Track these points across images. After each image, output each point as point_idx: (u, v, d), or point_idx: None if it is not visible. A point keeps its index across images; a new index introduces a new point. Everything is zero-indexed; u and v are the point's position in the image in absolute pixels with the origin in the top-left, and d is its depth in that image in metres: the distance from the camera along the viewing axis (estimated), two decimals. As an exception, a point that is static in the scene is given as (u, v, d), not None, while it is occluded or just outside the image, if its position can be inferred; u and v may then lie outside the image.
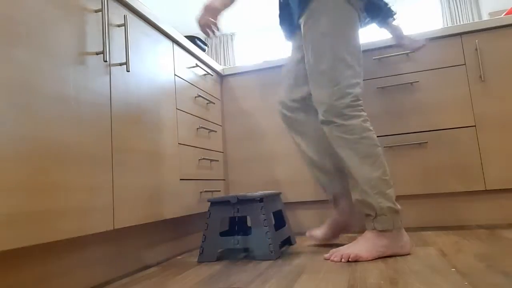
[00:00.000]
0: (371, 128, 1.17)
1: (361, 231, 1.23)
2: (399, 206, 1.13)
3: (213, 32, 1.34)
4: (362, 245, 1.11)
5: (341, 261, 1.09)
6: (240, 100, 1.97)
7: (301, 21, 1.27)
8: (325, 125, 1.20)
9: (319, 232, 1.39)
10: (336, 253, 1.12)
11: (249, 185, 1.90)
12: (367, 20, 1.41)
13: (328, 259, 1.13)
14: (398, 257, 1.07)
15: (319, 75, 1.20)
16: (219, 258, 1.29)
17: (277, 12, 1.45)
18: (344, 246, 1.15)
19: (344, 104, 1.16)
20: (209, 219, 1.30)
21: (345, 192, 1.34)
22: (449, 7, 5.37)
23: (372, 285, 0.81)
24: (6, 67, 0.75)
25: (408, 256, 1.08)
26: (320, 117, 1.21)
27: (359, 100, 1.18)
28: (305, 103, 1.37)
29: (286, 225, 1.45)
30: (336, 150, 1.20)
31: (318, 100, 1.21)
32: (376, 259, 1.09)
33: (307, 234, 1.42)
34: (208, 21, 1.33)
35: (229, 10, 5.77)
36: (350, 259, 1.08)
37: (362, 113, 1.18)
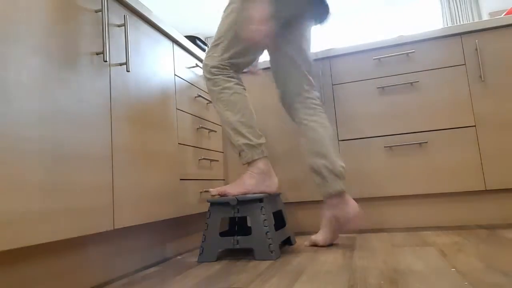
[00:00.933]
0: (232, 80, 1.35)
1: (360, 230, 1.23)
2: (257, 141, 1.32)
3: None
4: (235, 184, 1.32)
5: (217, 194, 1.31)
6: (240, 100, 1.97)
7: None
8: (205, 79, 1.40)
9: (319, 237, 1.39)
10: (213, 190, 1.33)
11: (249, 185, 1.90)
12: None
13: (209, 192, 1.34)
14: (398, 257, 1.07)
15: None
16: (219, 258, 1.29)
17: None
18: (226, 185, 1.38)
19: (213, 64, 1.35)
20: (209, 219, 1.30)
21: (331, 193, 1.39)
22: (449, 7, 5.37)
23: (372, 285, 0.81)
24: (4, 67, 0.75)
25: (408, 256, 1.08)
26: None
27: (228, 65, 1.36)
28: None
29: (286, 225, 1.45)
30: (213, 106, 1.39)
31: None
32: (244, 193, 1.29)
33: (306, 244, 1.41)
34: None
35: (229, 10, 5.76)
36: (219, 193, 1.30)
37: (226, 72, 1.35)
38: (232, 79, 1.35)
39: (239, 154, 1.33)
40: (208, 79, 1.37)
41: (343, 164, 1.35)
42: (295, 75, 1.44)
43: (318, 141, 1.36)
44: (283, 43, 1.44)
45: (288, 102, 1.45)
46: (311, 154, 1.37)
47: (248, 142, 1.31)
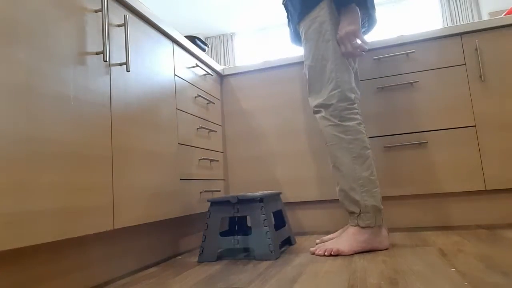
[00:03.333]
0: (364, 131, 1.27)
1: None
2: (382, 206, 1.23)
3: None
4: (345, 241, 1.20)
5: (324, 255, 1.18)
6: (240, 100, 1.97)
7: (301, 27, 1.38)
8: (322, 122, 1.30)
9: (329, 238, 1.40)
10: (320, 247, 1.20)
11: (249, 185, 1.90)
12: (363, 30, 1.48)
13: (314, 253, 1.22)
14: (398, 257, 1.07)
15: (318, 79, 1.32)
16: (219, 258, 1.29)
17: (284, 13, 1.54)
18: (328, 241, 1.24)
19: (343, 106, 1.27)
20: (209, 219, 1.30)
21: None
22: (449, 7, 5.37)
23: (372, 285, 0.81)
24: (5, 67, 0.75)
25: (408, 256, 1.08)
26: (318, 115, 1.33)
27: (355, 103, 1.29)
28: None
29: (286, 225, 1.45)
30: (329, 147, 1.29)
31: (318, 102, 1.32)
32: (357, 253, 1.18)
33: (317, 241, 1.41)
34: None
35: (229, 9, 5.77)
36: (332, 253, 1.17)
37: (357, 116, 1.28)
38: (362, 125, 1.28)
39: (359, 214, 1.20)
40: (335, 125, 1.26)
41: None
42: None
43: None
44: None
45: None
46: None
47: (377, 205, 1.21)
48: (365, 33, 1.50)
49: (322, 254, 1.18)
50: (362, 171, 1.23)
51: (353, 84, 1.30)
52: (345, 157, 1.24)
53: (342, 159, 1.25)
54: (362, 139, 1.25)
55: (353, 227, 1.22)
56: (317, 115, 1.33)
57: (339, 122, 1.26)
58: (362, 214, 1.21)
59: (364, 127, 1.29)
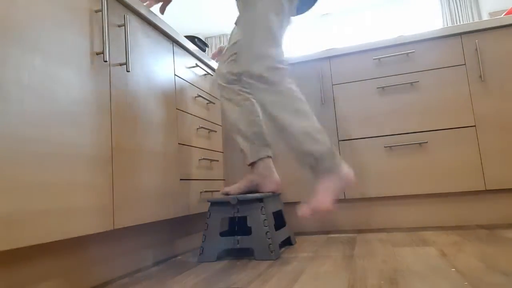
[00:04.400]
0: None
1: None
2: (334, 148, 1.24)
3: None
4: (319, 196, 1.20)
5: (309, 214, 1.19)
6: (240, 100, 1.97)
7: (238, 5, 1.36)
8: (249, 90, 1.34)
9: (232, 188, 1.44)
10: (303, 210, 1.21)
11: (249, 185, 1.90)
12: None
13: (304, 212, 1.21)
14: (398, 257, 1.07)
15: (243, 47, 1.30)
16: (219, 258, 1.29)
17: None
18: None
19: (264, 66, 1.22)
20: (209, 219, 1.30)
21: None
22: (449, 7, 5.37)
23: (372, 285, 0.81)
24: (5, 67, 0.75)
25: (408, 256, 1.08)
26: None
27: (279, 65, 1.24)
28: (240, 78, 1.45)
29: (286, 225, 1.45)
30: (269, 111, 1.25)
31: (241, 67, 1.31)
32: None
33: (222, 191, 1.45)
34: None
35: (229, 10, 5.77)
36: (311, 211, 1.18)
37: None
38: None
39: (317, 164, 1.23)
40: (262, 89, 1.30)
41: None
42: None
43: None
44: None
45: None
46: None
47: (330, 148, 1.23)
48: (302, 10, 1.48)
49: (307, 213, 1.19)
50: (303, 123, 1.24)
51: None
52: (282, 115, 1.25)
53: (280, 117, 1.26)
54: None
55: (319, 179, 1.24)
56: None
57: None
58: (320, 164, 1.22)
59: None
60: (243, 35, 1.30)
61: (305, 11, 1.51)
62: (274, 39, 1.25)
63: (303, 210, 1.19)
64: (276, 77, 1.22)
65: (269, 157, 1.43)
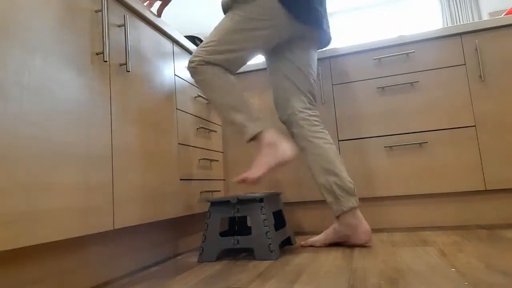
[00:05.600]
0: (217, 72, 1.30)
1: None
2: (257, 115, 1.29)
3: None
4: (252, 167, 1.27)
5: (238, 183, 1.26)
6: (240, 100, 1.97)
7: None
8: None
9: (318, 239, 1.38)
10: (235, 179, 1.28)
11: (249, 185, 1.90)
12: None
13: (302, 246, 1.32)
14: (398, 257, 1.07)
15: None
16: (219, 258, 1.29)
17: None
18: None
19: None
20: (209, 219, 1.30)
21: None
22: (449, 7, 5.37)
23: (372, 285, 0.81)
24: (5, 67, 0.75)
25: (408, 256, 1.08)
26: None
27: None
28: None
29: (286, 225, 1.45)
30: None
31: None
32: (266, 173, 1.25)
33: (303, 243, 1.40)
34: None
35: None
36: (241, 180, 1.24)
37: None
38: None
39: (242, 132, 1.28)
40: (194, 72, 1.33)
41: (351, 181, 1.33)
42: (296, 93, 1.43)
43: (326, 158, 1.34)
44: (283, 61, 1.45)
45: (290, 120, 1.42)
46: (320, 171, 1.34)
47: (251, 115, 1.28)
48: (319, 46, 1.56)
49: (238, 182, 1.25)
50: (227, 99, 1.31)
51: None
52: (209, 94, 1.33)
53: (209, 97, 1.33)
54: (219, 74, 1.32)
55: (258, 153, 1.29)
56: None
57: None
58: (244, 130, 1.28)
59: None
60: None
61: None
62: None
63: (236, 178, 1.27)
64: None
65: (354, 208, 1.29)
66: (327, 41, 1.55)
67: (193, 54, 1.34)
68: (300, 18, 1.35)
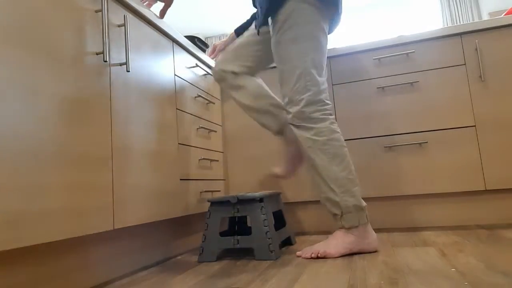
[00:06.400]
0: (338, 130, 1.24)
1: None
2: (364, 203, 1.20)
3: None
4: (331, 243, 1.18)
5: (311, 257, 1.16)
6: (240, 100, 1.97)
7: (271, 21, 1.33)
8: (294, 127, 1.27)
9: (279, 169, 1.42)
10: (307, 250, 1.19)
11: (249, 185, 1.90)
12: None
13: (300, 256, 1.21)
14: (398, 257, 1.07)
15: (288, 80, 1.26)
16: (219, 258, 1.29)
17: None
18: (316, 244, 1.22)
19: (313, 109, 1.23)
20: (209, 219, 1.30)
21: (286, 124, 1.40)
22: (449, 7, 5.37)
23: (372, 285, 0.81)
24: (4, 67, 0.75)
25: (408, 256, 1.08)
26: (289, 120, 1.28)
27: (326, 104, 1.25)
28: (245, 72, 1.46)
29: (286, 225, 1.45)
30: (305, 151, 1.25)
31: (288, 103, 1.28)
32: (344, 256, 1.16)
33: (270, 173, 1.46)
34: None
35: (229, 9, 5.77)
36: (319, 255, 1.15)
37: (330, 116, 1.25)
38: (335, 124, 1.24)
39: (341, 215, 1.18)
40: (306, 128, 1.23)
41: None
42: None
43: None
44: None
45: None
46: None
47: (358, 204, 1.18)
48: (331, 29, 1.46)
49: (309, 257, 1.16)
50: (340, 171, 1.19)
51: (325, 85, 1.26)
52: (320, 158, 1.21)
53: (318, 161, 1.21)
54: (337, 138, 1.22)
55: (340, 229, 1.20)
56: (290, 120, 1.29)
57: (311, 125, 1.22)
58: (344, 215, 1.18)
59: (337, 126, 1.25)
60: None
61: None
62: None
63: (304, 254, 1.19)
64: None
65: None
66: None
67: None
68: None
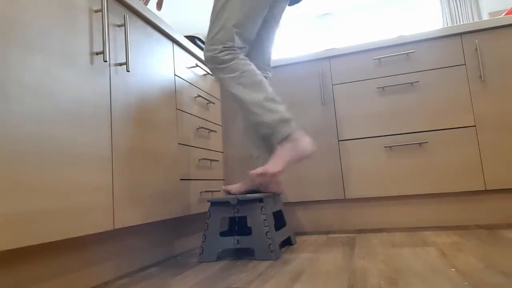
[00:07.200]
0: (248, 62, 1.32)
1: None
2: (289, 116, 1.27)
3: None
4: (270, 162, 1.27)
5: (257, 176, 1.25)
6: (240, 100, 1.97)
7: None
8: (212, 71, 1.35)
9: (234, 187, 1.44)
10: (254, 171, 1.26)
11: (249, 185, 1.90)
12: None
13: (254, 174, 1.27)
14: (398, 257, 1.07)
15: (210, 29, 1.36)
16: (219, 258, 1.29)
17: None
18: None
19: (225, 53, 1.30)
20: (209, 219, 1.30)
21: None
22: (449, 7, 5.37)
23: (372, 285, 0.81)
24: (4, 67, 0.75)
25: (408, 256, 1.08)
26: (206, 63, 1.37)
27: (238, 49, 1.33)
28: None
29: (286, 225, 1.45)
30: (228, 91, 1.32)
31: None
32: (284, 168, 1.25)
33: (222, 188, 1.46)
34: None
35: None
36: (261, 174, 1.24)
37: (239, 55, 1.32)
38: (245, 59, 1.32)
39: (272, 133, 1.27)
40: (220, 69, 1.32)
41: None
42: (265, 49, 1.53)
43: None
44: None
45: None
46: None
47: (283, 117, 1.26)
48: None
49: (255, 176, 1.24)
50: (258, 96, 1.27)
51: (239, 45, 1.33)
52: (239, 90, 1.29)
53: (238, 94, 1.29)
54: (250, 69, 1.30)
55: (277, 147, 1.28)
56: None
57: (224, 65, 1.30)
58: (275, 131, 1.26)
59: (247, 61, 1.32)
60: None
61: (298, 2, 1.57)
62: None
63: (253, 171, 1.26)
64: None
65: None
66: None
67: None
68: None
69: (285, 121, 1.26)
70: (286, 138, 1.26)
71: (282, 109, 1.28)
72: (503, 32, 1.64)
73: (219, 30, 1.31)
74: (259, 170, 1.25)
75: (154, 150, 1.25)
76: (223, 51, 1.30)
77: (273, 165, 1.25)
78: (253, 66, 1.32)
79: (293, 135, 1.26)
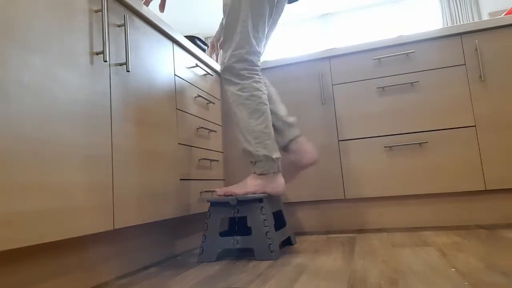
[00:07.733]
0: (261, 89, 1.37)
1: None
2: (276, 155, 1.33)
3: None
4: (240, 184, 1.34)
5: (223, 195, 1.31)
6: (240, 100, 1.97)
7: None
8: (224, 81, 1.41)
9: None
10: (221, 190, 1.34)
11: (249, 185, 1.90)
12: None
13: (218, 194, 1.35)
14: (398, 257, 1.07)
15: (225, 37, 1.40)
16: (219, 258, 1.29)
17: None
18: (231, 186, 1.37)
19: (242, 66, 1.36)
20: (209, 219, 1.30)
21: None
22: (449, 7, 5.37)
23: (372, 285, 0.81)
24: (4, 67, 0.75)
25: (408, 256, 1.08)
26: (221, 71, 1.42)
27: (256, 65, 1.39)
28: None
29: (286, 225, 1.45)
30: (230, 105, 1.38)
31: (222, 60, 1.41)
32: (250, 194, 1.30)
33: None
34: None
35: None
36: (225, 194, 1.31)
37: (256, 76, 1.38)
38: (260, 83, 1.37)
39: (254, 163, 1.33)
40: (234, 83, 1.36)
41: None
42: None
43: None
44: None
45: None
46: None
47: (269, 155, 1.32)
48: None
49: (222, 195, 1.31)
50: (256, 125, 1.32)
51: (257, 48, 1.38)
52: (241, 112, 1.34)
53: (239, 114, 1.35)
54: (259, 96, 1.34)
55: (253, 174, 1.35)
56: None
57: (238, 81, 1.35)
58: (257, 163, 1.32)
59: (262, 86, 1.37)
60: None
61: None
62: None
63: (219, 191, 1.34)
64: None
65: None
66: None
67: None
68: None
69: (269, 160, 1.32)
70: (262, 175, 1.32)
71: (272, 147, 1.33)
72: (503, 32, 1.64)
73: (236, 36, 1.35)
74: (223, 189, 1.32)
75: (154, 150, 1.25)
76: (244, 67, 1.35)
77: (238, 188, 1.32)
78: (264, 93, 1.36)
79: (270, 175, 1.33)
